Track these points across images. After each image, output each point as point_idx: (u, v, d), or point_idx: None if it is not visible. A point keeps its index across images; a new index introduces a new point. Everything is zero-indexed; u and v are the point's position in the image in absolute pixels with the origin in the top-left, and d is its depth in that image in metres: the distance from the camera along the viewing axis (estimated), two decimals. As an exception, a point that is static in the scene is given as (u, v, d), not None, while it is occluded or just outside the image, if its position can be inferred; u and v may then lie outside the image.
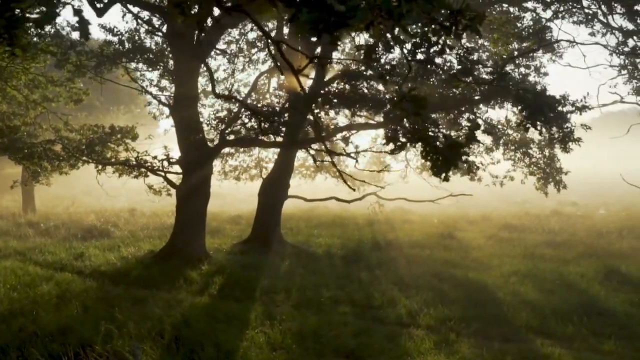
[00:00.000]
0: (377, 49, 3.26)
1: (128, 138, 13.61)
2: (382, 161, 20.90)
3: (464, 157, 3.29)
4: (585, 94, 10.80)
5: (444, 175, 3.35)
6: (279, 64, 4.00)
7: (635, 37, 11.21)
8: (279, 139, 12.28)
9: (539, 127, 4.64)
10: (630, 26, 11.78)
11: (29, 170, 14.31)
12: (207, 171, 12.38)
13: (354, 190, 6.75)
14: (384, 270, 11.69)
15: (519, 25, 15.68)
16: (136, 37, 12.76)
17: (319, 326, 7.55)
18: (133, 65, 13.53)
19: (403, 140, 3.51)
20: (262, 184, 15.05)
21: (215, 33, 11.18)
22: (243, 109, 11.14)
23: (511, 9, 15.33)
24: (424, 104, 2.86)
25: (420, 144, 3.24)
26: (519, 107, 4.40)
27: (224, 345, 6.50)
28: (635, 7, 11.91)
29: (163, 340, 6.47)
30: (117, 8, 11.31)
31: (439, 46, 3.90)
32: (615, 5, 11.58)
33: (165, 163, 12.39)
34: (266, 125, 10.86)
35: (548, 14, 14.12)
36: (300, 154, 21.14)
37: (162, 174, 12.56)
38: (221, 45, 19.29)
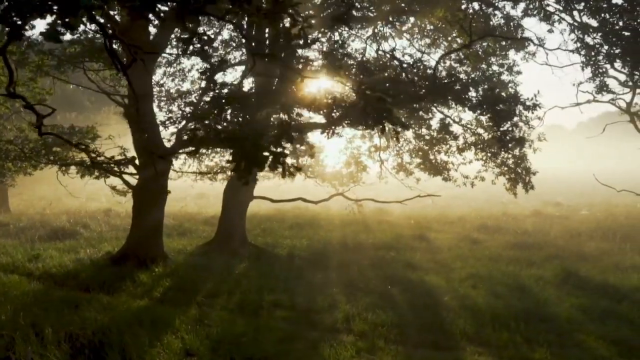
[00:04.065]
0: (194, 39, 3.04)
1: (88, 138, 13.49)
2: (359, 161, 20.65)
3: (281, 159, 3.08)
4: (535, 92, 10.53)
5: (244, 179, 3.14)
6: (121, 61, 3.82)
7: (596, 34, 10.89)
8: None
9: (381, 127, 4.38)
10: (594, 23, 11.48)
11: (-8, 170, 14.24)
12: (163, 172, 12.19)
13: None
14: (339, 273, 11.46)
15: (491, 23, 15.47)
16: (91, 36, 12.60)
17: (245, 331, 7.34)
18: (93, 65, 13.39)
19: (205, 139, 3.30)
20: (226, 185, 14.88)
21: (164, 32, 10.98)
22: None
23: (484, 7, 15.12)
24: (230, 101, 2.65)
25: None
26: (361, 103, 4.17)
27: (133, 351, 6.30)
28: (601, 4, 11.59)
29: (66, 346, 6.28)
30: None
31: (302, 40, 3.69)
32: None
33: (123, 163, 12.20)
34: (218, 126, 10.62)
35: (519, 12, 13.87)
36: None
37: (118, 174, 12.37)
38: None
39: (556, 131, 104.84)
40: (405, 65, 7.87)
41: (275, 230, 17.87)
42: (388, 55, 8.26)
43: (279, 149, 3.02)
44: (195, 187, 26.38)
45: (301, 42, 3.71)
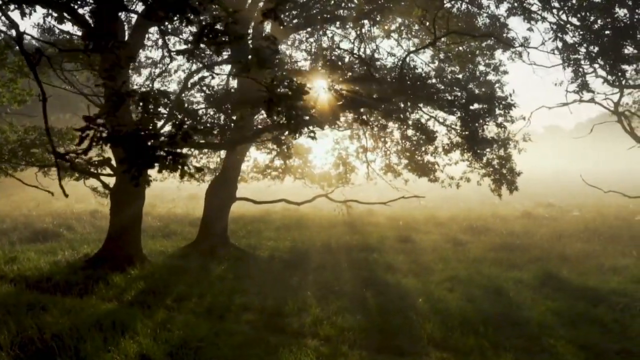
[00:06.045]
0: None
1: (67, 139, 13.39)
2: (347, 162, 20.49)
3: (181, 160, 2.95)
4: (511, 92, 10.36)
5: (135, 181, 3.00)
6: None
7: (576, 32, 10.71)
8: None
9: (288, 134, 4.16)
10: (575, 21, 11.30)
11: (-27, 172, 14.12)
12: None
13: (67, 196, 5.82)
14: (316, 275, 11.32)
15: (476, 23, 15.33)
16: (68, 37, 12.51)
17: (207, 335, 7.21)
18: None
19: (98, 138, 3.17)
20: (208, 187, 14.75)
21: (139, 32, 10.86)
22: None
23: (469, 6, 14.98)
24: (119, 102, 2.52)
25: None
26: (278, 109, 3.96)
27: (86, 356, 6.18)
28: (583, 2, 11.43)
29: (16, 350, 6.15)
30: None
31: (227, 37, 3.56)
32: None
33: (98, 164, 12.08)
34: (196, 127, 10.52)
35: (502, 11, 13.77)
36: (267, 157, 20.82)
37: (96, 175, 12.28)
38: (182, 45, 18.93)
39: (554, 132, 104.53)
40: (369, 64, 7.70)
41: (261, 231, 17.73)
42: (349, 54, 8.10)
43: (177, 150, 2.90)
44: (186, 189, 26.30)
45: (227, 39, 3.57)
